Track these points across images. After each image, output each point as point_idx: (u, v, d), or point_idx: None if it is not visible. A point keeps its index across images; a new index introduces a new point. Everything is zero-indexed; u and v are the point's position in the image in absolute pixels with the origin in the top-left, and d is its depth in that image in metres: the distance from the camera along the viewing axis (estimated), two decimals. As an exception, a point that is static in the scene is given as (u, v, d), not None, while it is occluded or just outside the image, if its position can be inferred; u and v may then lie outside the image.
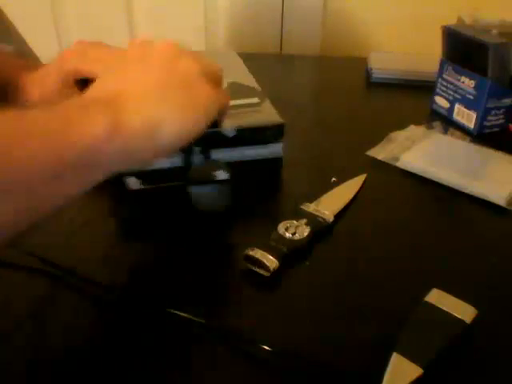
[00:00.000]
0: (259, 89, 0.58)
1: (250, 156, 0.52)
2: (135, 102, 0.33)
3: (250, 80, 0.61)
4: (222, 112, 0.40)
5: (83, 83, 0.41)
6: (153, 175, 0.46)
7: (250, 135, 0.50)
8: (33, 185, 0.28)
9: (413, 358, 0.31)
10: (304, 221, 0.43)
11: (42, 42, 0.70)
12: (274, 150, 0.53)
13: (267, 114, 0.53)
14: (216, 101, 0.37)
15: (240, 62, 0.68)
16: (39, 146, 0.28)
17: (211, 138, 0.40)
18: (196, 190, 0.46)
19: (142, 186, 0.48)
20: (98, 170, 0.32)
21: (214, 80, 0.38)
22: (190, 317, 0.35)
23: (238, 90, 0.55)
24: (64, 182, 0.30)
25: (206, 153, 0.47)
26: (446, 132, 0.65)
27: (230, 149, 0.50)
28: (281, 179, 0.54)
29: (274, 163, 0.53)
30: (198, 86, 0.36)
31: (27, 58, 0.67)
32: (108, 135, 0.30)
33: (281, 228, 0.42)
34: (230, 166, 0.46)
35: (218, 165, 0.46)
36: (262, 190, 0.51)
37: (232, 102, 0.44)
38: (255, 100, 0.55)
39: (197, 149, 0.46)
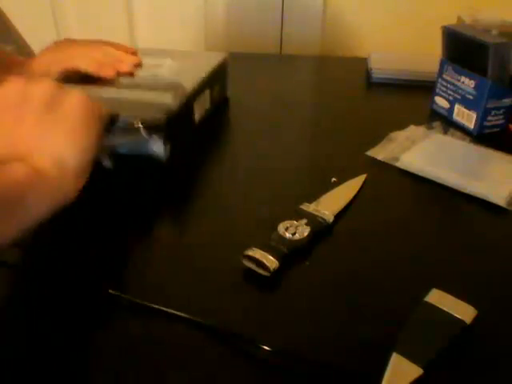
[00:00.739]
0: (183, 89, 0.57)
1: (124, 148, 0.51)
2: (37, 152, 0.37)
3: (192, 80, 0.60)
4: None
5: None
6: None
7: None
8: None
9: (413, 357, 0.31)
10: (304, 221, 0.43)
11: (41, 41, 0.70)
12: (148, 147, 0.51)
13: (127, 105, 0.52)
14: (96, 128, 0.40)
15: (212, 64, 0.67)
16: None
17: None
18: None
19: None
20: (28, 211, 0.34)
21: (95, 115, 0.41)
22: (190, 317, 0.35)
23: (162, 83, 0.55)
24: None
25: None
26: (446, 132, 0.65)
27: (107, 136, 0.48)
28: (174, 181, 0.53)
29: (153, 162, 0.51)
30: (78, 122, 0.39)
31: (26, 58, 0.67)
32: (30, 179, 0.35)
33: (281, 228, 0.42)
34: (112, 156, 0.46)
35: (104, 150, 0.45)
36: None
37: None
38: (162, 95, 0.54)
39: None
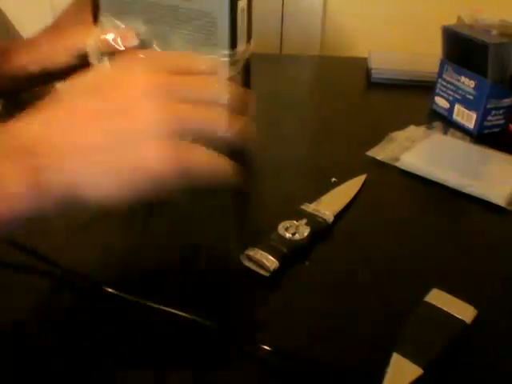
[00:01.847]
0: None
1: None
2: (59, 157, 0.29)
3: None
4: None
5: None
6: None
7: None
8: None
9: (413, 357, 0.31)
10: (304, 221, 0.43)
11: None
12: None
13: None
14: (168, 164, 0.29)
15: None
16: None
17: None
18: None
19: None
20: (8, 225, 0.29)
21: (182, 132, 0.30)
22: (190, 317, 0.35)
23: None
24: None
25: None
26: (446, 132, 0.65)
27: None
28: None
29: None
30: (150, 143, 0.28)
31: None
32: (25, 195, 0.28)
33: (281, 228, 0.42)
34: None
35: None
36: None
37: None
38: None
39: None
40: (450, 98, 0.68)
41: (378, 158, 0.58)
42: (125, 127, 0.29)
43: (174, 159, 0.29)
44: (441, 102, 0.70)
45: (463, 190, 0.51)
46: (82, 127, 0.30)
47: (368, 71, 0.85)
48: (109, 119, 0.30)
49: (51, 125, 0.30)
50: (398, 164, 0.56)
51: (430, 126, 0.66)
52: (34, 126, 0.30)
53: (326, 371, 0.32)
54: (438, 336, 0.33)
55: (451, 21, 0.72)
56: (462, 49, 0.66)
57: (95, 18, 0.56)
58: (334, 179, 0.52)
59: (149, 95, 0.30)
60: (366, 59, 0.89)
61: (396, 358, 0.31)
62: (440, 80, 0.70)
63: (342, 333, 0.35)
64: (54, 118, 0.30)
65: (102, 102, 0.31)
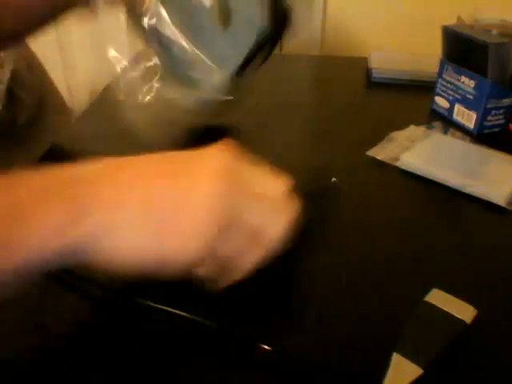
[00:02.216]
0: None
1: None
2: (106, 204, 0.28)
3: None
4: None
5: None
6: None
7: None
8: None
9: (413, 358, 0.31)
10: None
11: (41, 41, 0.70)
12: None
13: None
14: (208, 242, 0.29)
15: None
16: None
17: None
18: None
19: None
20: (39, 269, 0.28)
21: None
22: (190, 316, 0.35)
23: None
24: None
25: None
26: (446, 132, 0.65)
27: None
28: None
29: None
30: (203, 210, 0.29)
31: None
32: (62, 233, 0.27)
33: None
34: None
35: None
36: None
37: None
38: None
39: None
40: (450, 97, 0.68)
41: (378, 157, 0.58)
42: (181, 197, 0.29)
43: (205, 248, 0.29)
44: (441, 102, 0.70)
45: (463, 190, 0.51)
46: (137, 183, 0.29)
47: (368, 71, 0.85)
48: (170, 185, 0.30)
49: (111, 172, 0.30)
50: (397, 164, 0.56)
51: (429, 126, 0.66)
52: (92, 167, 0.29)
53: (326, 371, 0.32)
54: (438, 336, 0.33)
55: (451, 21, 0.72)
56: (462, 49, 0.66)
57: None
58: (333, 179, 0.52)
59: (217, 181, 0.30)
60: (366, 59, 0.89)
61: (396, 358, 0.31)
62: (440, 80, 0.70)
63: (342, 333, 0.35)
64: (116, 165, 0.30)
65: (170, 164, 0.31)
